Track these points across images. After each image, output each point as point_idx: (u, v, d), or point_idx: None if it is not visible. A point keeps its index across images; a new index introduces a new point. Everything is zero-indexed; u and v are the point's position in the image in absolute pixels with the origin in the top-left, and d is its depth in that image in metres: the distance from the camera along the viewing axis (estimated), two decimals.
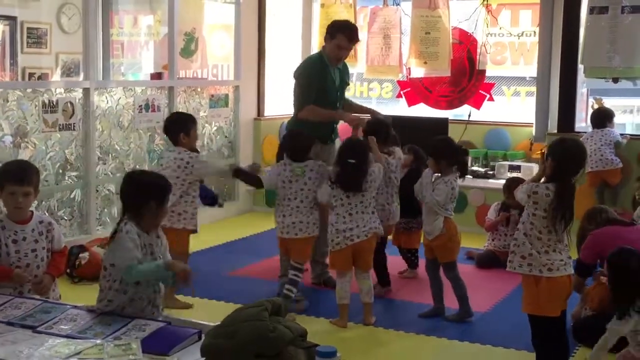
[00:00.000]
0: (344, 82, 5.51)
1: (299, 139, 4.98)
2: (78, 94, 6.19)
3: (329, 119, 5.39)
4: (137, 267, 2.99)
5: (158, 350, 2.54)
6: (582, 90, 7.39)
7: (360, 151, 4.70)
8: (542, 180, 3.74)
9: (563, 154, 3.70)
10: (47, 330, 2.75)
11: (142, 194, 3.20)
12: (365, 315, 4.77)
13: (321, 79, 5.31)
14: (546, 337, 3.79)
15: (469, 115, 7.95)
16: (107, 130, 6.51)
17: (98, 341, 2.62)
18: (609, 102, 7.43)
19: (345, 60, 5.53)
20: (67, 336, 2.68)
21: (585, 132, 6.88)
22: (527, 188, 3.70)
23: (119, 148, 6.63)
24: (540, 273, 3.67)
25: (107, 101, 6.50)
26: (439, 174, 4.80)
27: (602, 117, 6.75)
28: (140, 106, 6.80)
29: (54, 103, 5.95)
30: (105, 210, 6.52)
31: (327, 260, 5.26)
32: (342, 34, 5.25)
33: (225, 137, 7.99)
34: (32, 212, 3.59)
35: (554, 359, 3.87)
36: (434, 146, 4.85)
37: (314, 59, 5.49)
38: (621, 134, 6.88)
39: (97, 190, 6.42)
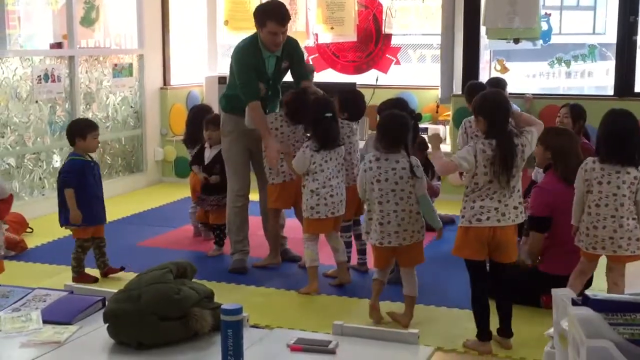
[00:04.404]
0: (280, 68, 5.05)
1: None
2: None
3: (258, 127, 4.90)
4: None
5: (60, 320, 2.46)
6: (486, 52, 7.52)
7: (332, 106, 4.71)
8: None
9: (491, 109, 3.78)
10: None
11: None
12: (343, 274, 4.82)
13: (251, 66, 4.91)
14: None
15: (377, 80, 8.01)
16: (4, 102, 6.26)
17: None
18: (512, 66, 7.58)
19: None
20: None
21: None
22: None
23: (17, 120, 6.39)
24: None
25: (3, 72, 6.24)
26: None
27: (496, 87, 6.73)
28: (39, 77, 6.56)
29: None
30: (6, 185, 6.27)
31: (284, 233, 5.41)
32: (271, 20, 4.81)
33: (131, 107, 7.81)
34: None
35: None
36: (382, 109, 4.73)
37: (246, 44, 4.99)
38: (524, 94, 7.05)
39: None
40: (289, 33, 5.08)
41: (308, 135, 4.79)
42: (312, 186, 4.60)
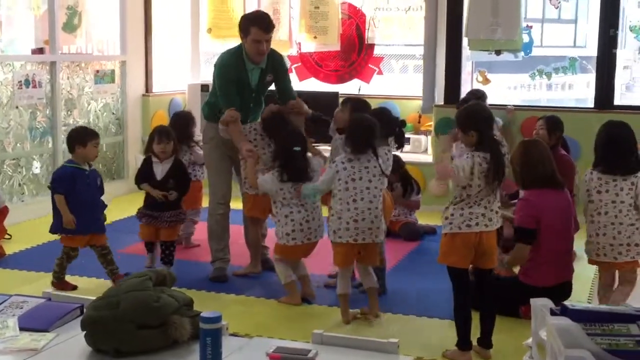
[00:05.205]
0: (264, 81, 5.03)
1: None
2: None
3: (234, 137, 4.87)
4: None
5: (37, 327, 2.44)
6: (468, 64, 7.55)
7: (304, 139, 4.73)
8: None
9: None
10: None
11: None
12: (306, 288, 4.79)
13: (233, 78, 4.89)
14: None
15: (359, 89, 8.03)
16: None
17: None
18: (493, 78, 7.63)
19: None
20: None
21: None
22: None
23: None
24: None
25: None
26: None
27: (477, 99, 6.74)
28: (20, 82, 6.51)
29: None
30: None
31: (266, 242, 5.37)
32: (256, 27, 4.79)
33: (113, 113, 7.78)
34: None
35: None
36: None
37: (231, 54, 4.98)
38: (506, 105, 7.08)
39: None
40: (272, 41, 5.06)
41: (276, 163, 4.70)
42: (285, 211, 4.59)
